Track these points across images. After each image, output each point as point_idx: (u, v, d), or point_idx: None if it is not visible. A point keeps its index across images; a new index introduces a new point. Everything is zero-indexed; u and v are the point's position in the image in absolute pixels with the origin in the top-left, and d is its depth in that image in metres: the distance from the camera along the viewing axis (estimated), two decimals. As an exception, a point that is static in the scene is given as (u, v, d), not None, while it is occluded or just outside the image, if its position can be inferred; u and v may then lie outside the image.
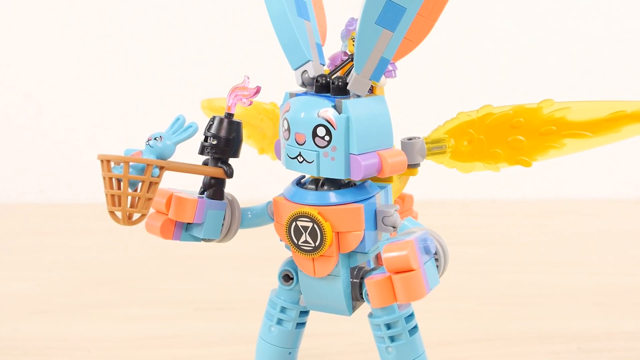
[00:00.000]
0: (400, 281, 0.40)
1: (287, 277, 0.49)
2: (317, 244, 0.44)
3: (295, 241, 0.45)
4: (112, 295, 0.82)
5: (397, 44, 0.43)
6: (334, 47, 0.49)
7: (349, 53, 0.48)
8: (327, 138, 0.43)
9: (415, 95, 1.22)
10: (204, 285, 0.85)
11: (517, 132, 0.47)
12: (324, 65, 0.47)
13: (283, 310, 0.50)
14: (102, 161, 0.43)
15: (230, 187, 0.48)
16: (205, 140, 0.47)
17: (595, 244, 1.00)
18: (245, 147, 0.52)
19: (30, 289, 0.85)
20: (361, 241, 0.45)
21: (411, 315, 0.47)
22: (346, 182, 0.46)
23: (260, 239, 0.75)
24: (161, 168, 0.44)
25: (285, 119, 0.45)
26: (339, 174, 0.44)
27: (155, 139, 0.45)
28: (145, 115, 1.26)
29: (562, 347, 0.67)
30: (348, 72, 0.45)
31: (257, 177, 1.09)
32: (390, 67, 0.46)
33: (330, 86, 0.44)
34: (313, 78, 0.45)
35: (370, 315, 0.47)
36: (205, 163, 0.48)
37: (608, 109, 0.46)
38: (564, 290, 0.82)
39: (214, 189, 0.47)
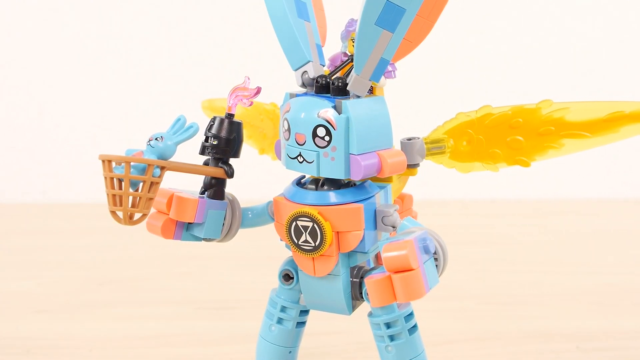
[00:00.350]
0: (400, 280, 0.41)
1: (287, 277, 0.49)
2: (317, 243, 0.45)
3: (296, 241, 0.45)
4: (112, 294, 0.82)
5: (397, 45, 0.43)
6: (333, 47, 0.49)
7: (349, 54, 0.48)
8: (327, 138, 0.43)
9: (415, 96, 1.22)
10: (204, 285, 0.85)
11: (516, 133, 0.48)
12: (324, 65, 0.47)
13: (283, 309, 0.50)
14: (103, 161, 0.43)
15: (231, 187, 0.48)
16: (206, 140, 0.47)
17: (595, 244, 1.00)
18: (246, 148, 0.52)
19: (31, 288, 0.85)
20: (361, 241, 0.45)
21: (410, 315, 0.47)
22: (346, 182, 0.46)
23: (260, 239, 0.75)
24: (162, 168, 0.44)
25: (286, 119, 0.45)
26: (339, 174, 0.44)
27: (156, 139, 0.45)
28: (145, 116, 1.26)
29: (562, 346, 0.68)
30: (348, 73, 0.45)
31: (258, 177, 1.09)
32: (389, 68, 0.46)
33: (330, 87, 0.44)
34: (313, 79, 0.45)
35: (370, 315, 0.47)
36: (206, 163, 0.48)
37: (606, 110, 0.46)
38: (564, 290, 0.82)
39: (214, 189, 0.47)
